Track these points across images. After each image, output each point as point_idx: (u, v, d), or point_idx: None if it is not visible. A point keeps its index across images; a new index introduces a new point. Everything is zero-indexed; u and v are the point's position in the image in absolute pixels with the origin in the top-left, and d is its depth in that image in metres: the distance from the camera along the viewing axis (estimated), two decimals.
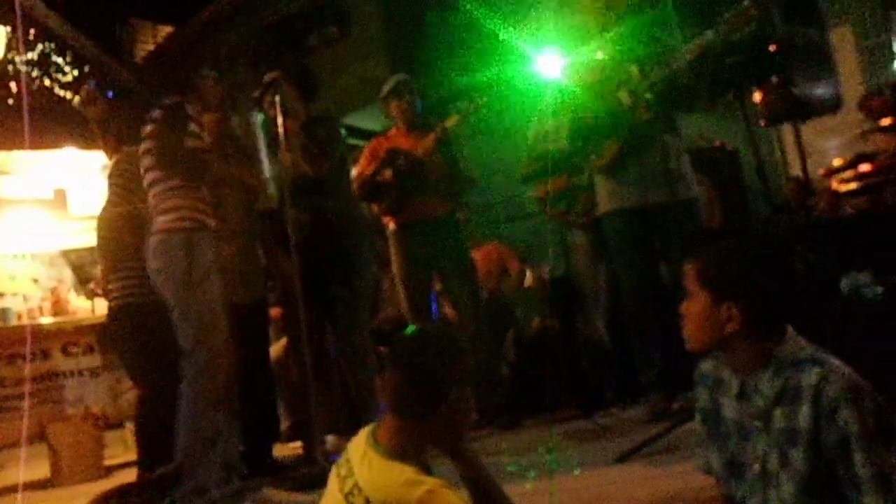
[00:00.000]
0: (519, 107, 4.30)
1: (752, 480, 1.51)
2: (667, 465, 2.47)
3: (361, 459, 1.56)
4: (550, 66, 4.01)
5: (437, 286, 4.18)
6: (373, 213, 4.23)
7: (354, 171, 4.09)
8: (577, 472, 2.66)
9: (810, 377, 1.40)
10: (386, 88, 4.13)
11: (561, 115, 3.41)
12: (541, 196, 4.10)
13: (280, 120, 3.23)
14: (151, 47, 14.63)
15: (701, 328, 1.50)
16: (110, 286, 3.39)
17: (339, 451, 3.61)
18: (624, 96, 3.21)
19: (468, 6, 10.40)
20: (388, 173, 3.93)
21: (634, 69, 3.21)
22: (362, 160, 4.12)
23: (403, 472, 1.49)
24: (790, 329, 1.50)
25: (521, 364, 4.46)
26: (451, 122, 3.87)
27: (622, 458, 2.64)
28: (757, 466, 1.49)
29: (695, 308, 1.50)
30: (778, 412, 1.45)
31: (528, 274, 5.39)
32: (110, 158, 3.64)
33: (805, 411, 1.40)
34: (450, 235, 4.00)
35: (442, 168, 3.94)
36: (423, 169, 3.90)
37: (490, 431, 3.80)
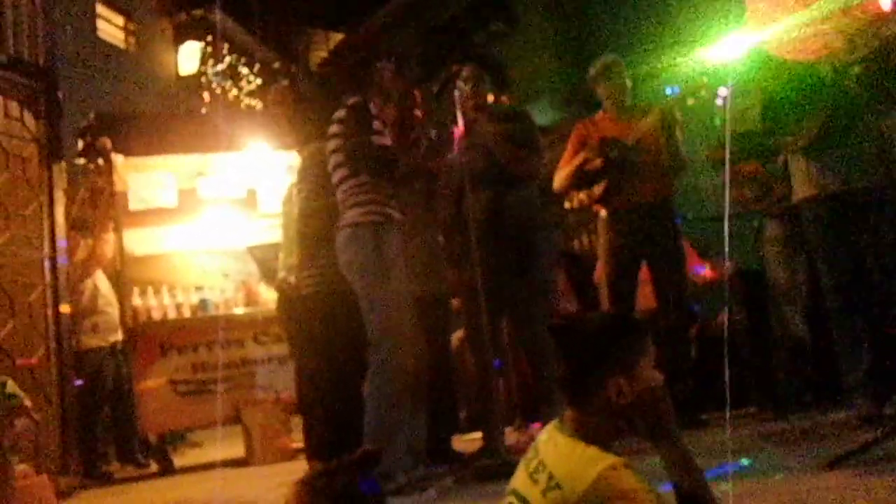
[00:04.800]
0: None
1: None
2: (885, 475, 2.24)
3: (547, 441, 1.58)
4: (737, 43, 3.79)
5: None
6: (581, 202, 4.14)
7: (562, 159, 4.03)
8: (778, 476, 2.48)
9: None
10: (594, 70, 4.01)
11: (751, 94, 3.19)
12: (737, 179, 3.85)
13: (459, 112, 3.26)
14: (325, 54, 15.42)
15: None
16: (304, 274, 3.55)
17: (519, 444, 3.63)
18: (825, 70, 2.95)
19: None
20: (598, 162, 3.84)
21: (838, 40, 2.94)
22: (569, 147, 4.04)
23: (587, 449, 1.48)
24: None
25: (704, 360, 4.25)
26: (666, 107, 3.74)
27: (834, 464, 2.42)
28: None
29: None
30: None
31: (709, 267, 5.12)
32: (300, 153, 3.84)
33: None
34: (662, 222, 3.86)
35: (657, 153, 3.81)
36: (635, 155, 3.78)
37: None
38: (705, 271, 5.09)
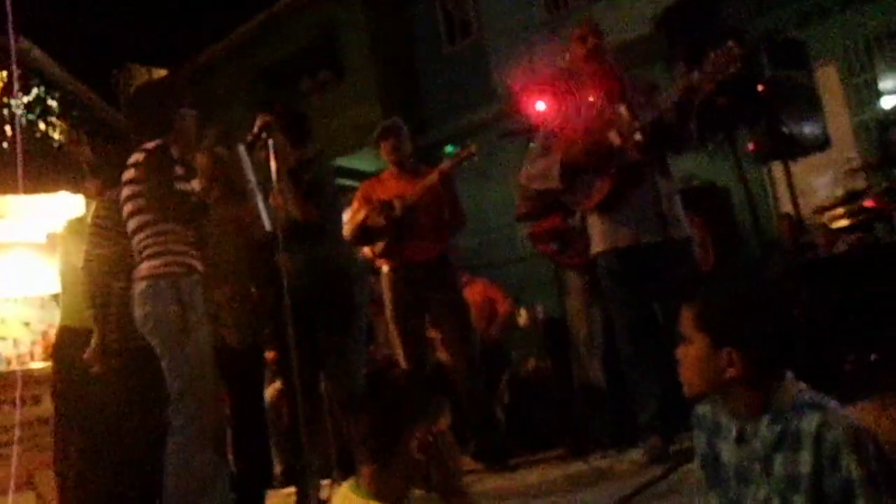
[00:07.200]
0: (511, 148, 4.32)
1: None
2: None
3: (341, 501, 1.59)
4: (541, 107, 4.07)
5: (431, 329, 4.18)
6: (365, 256, 4.23)
7: (346, 215, 4.10)
8: None
9: (811, 422, 1.39)
10: (377, 132, 4.19)
11: (552, 155, 3.42)
12: (534, 234, 4.10)
13: (273, 164, 3.22)
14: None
15: (699, 373, 1.48)
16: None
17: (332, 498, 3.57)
18: (613, 136, 3.24)
19: (460, 51, 10.58)
20: (380, 218, 3.95)
21: (623, 110, 3.24)
22: (354, 204, 4.14)
23: None
24: (789, 373, 1.48)
25: (515, 405, 4.42)
26: (445, 166, 3.91)
27: (621, 502, 2.60)
28: None
29: (692, 352, 1.49)
30: (778, 458, 1.43)
31: (523, 314, 5.37)
32: (90, 199, 3.64)
33: (806, 457, 1.38)
34: (442, 278, 4.00)
35: (434, 211, 3.95)
36: (415, 213, 3.92)
37: (483, 473, 3.75)
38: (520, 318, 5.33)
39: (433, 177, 3.91)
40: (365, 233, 4.05)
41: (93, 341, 3.22)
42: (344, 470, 4.27)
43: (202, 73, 12.11)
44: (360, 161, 8.48)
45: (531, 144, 4.06)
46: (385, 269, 4.08)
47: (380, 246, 4.05)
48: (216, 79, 11.68)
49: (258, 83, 11.10)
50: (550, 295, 4.97)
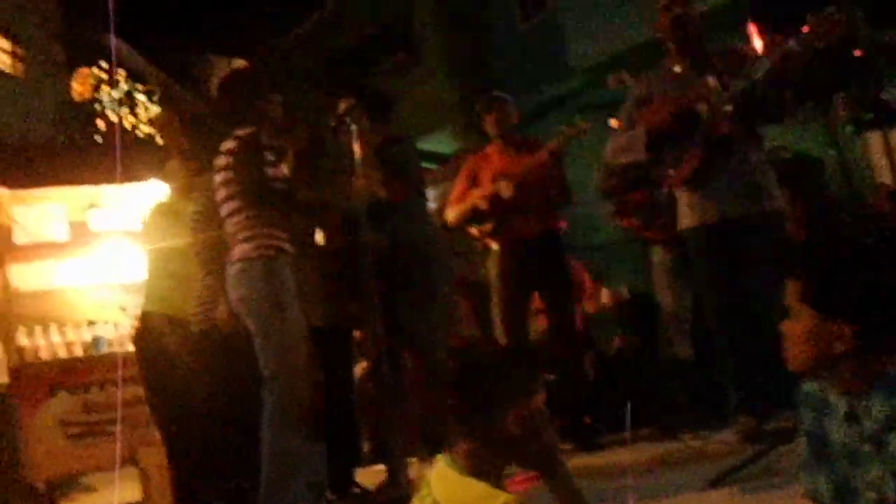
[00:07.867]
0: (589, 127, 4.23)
1: None
2: (764, 489, 2.37)
3: (439, 478, 1.60)
4: (625, 81, 3.98)
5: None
6: (472, 235, 4.23)
7: (453, 194, 4.12)
8: (667, 495, 2.58)
9: None
10: (479, 106, 4.16)
11: (637, 128, 3.34)
12: (619, 208, 4.03)
13: (357, 147, 3.26)
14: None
15: (806, 348, 1.43)
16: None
17: (422, 476, 3.63)
18: (702, 108, 3.14)
19: (535, 27, 10.43)
20: (485, 204, 3.96)
21: (713, 80, 3.13)
22: (461, 182, 4.14)
23: (478, 487, 1.51)
24: None
25: (601, 384, 4.38)
26: (553, 144, 3.88)
27: (715, 482, 2.54)
28: (872, 494, 1.40)
29: (799, 327, 1.43)
30: (892, 436, 1.37)
31: (605, 293, 5.30)
32: (172, 183, 3.74)
33: None
34: (551, 254, 4.00)
35: (542, 189, 3.93)
36: (523, 190, 3.90)
37: (572, 452, 3.74)
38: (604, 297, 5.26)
39: (543, 155, 3.88)
40: (475, 212, 4.05)
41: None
42: (429, 448, 4.35)
43: (281, 59, 12.35)
44: (438, 143, 8.48)
45: (611, 121, 3.99)
46: (494, 247, 4.09)
47: (488, 225, 4.05)
48: (293, 65, 11.89)
49: (335, 66, 11.23)
50: (634, 276, 4.89)
